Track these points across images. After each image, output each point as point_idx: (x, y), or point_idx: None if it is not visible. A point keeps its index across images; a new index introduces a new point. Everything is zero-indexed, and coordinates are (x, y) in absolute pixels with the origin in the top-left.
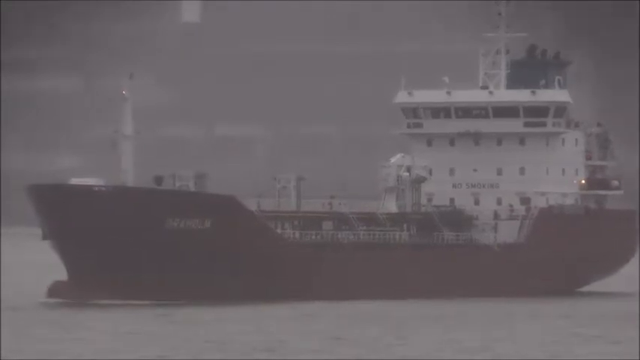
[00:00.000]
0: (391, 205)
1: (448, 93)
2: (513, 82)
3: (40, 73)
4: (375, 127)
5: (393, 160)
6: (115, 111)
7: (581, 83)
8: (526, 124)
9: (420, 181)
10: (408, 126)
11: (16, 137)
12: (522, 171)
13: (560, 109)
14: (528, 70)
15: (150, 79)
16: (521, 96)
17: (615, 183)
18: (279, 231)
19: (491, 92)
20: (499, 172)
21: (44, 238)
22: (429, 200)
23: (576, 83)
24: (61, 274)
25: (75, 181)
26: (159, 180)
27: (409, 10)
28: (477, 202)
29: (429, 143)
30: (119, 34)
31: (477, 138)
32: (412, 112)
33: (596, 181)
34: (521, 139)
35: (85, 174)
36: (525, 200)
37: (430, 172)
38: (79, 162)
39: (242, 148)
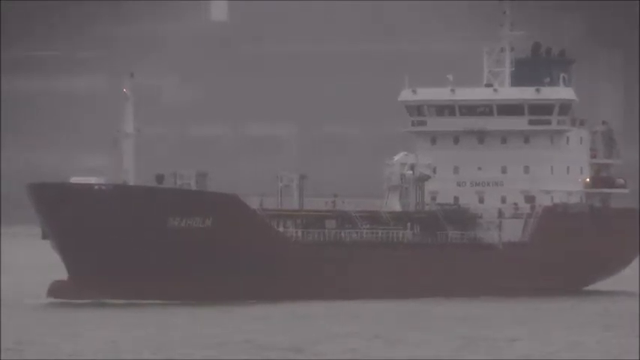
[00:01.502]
0: (395, 204)
1: (452, 91)
2: (518, 80)
3: (39, 74)
4: (378, 126)
5: (396, 158)
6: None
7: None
8: (531, 122)
9: (423, 179)
10: (412, 124)
11: (16, 137)
12: (527, 169)
13: (565, 107)
14: (533, 67)
15: (152, 79)
16: (526, 94)
17: (620, 181)
18: (281, 230)
19: (495, 90)
20: (503, 171)
21: (44, 237)
22: (433, 199)
23: (600, 81)
24: (62, 273)
25: (75, 179)
26: (160, 179)
27: (409, 9)
28: (481, 201)
29: (433, 141)
30: (123, 35)
31: (481, 136)
32: (416, 110)
33: (601, 180)
34: (526, 137)
35: (88, 174)
36: (530, 198)
37: (434, 171)
38: (80, 163)
39: (244, 148)
